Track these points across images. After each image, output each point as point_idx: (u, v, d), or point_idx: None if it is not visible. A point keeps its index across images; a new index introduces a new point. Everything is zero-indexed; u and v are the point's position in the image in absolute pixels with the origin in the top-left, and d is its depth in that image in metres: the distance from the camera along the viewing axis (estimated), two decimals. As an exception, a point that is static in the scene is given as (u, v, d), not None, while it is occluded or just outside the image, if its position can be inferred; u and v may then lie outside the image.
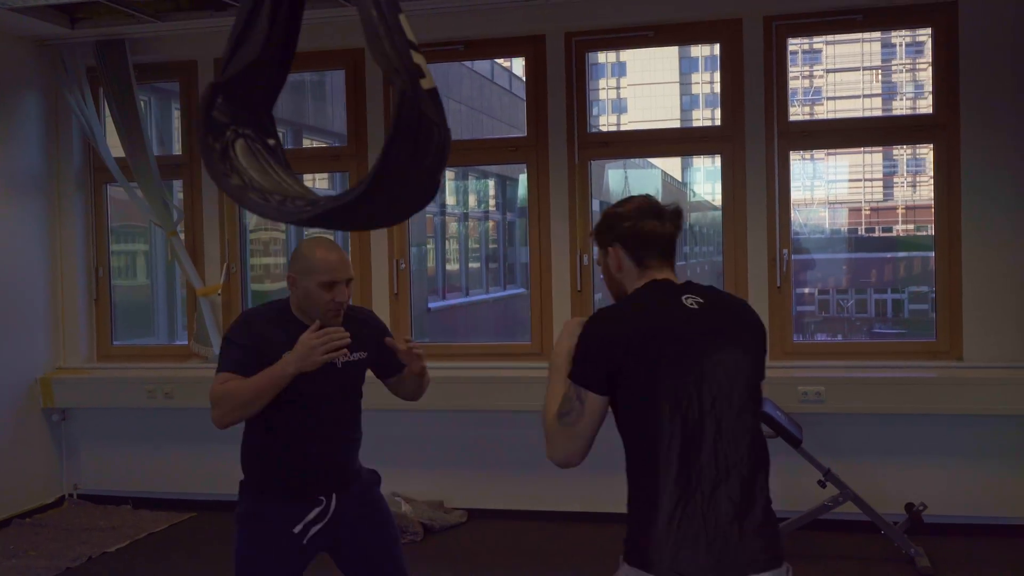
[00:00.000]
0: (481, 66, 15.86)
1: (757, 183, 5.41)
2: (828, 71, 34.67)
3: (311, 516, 2.89)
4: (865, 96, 35.99)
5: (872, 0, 5.22)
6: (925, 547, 4.71)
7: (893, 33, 35.76)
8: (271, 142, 2.42)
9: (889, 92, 35.40)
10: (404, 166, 2.37)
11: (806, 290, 13.05)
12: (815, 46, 34.01)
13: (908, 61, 35.49)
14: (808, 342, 6.55)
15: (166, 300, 7.33)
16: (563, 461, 2.22)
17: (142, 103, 6.02)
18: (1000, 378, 5.02)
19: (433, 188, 2.69)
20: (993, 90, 5.07)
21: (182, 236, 6.08)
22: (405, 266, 5.90)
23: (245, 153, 2.35)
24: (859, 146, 4.95)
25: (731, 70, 5.44)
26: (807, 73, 33.86)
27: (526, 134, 5.78)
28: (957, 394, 5.00)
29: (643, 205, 2.34)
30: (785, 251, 5.39)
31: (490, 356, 5.89)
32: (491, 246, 16.31)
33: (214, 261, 6.11)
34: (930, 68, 5.42)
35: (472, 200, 15.57)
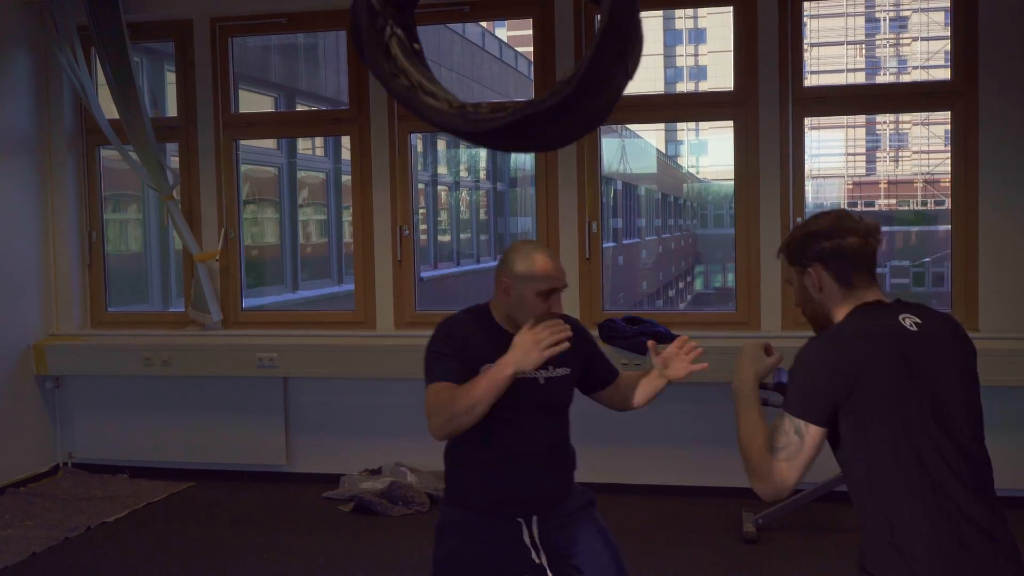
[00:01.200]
0: (472, 34, 15.67)
1: (770, 150, 5.30)
2: (812, 45, 34.62)
3: (507, 538, 2.72)
4: (849, 71, 36.03)
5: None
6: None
7: (877, 7, 35.71)
8: (417, 47, 2.23)
9: (872, 67, 35.44)
10: (608, 71, 2.16)
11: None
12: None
13: (892, 36, 35.54)
14: None
15: (160, 267, 7.19)
16: (776, 495, 2.10)
17: (136, 63, 5.83)
18: (1015, 350, 4.96)
19: (612, 106, 2.46)
20: (1013, 58, 4.97)
21: (178, 200, 5.92)
22: (409, 232, 5.77)
23: (405, 53, 2.15)
24: (875, 112, 4.83)
25: (745, 34, 5.31)
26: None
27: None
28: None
29: (842, 219, 2.21)
30: (799, 219, 5.29)
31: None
32: (482, 217, 16.20)
33: (211, 226, 5.97)
34: (915, 42, 5.33)
35: (463, 170, 15.44)
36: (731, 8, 5.38)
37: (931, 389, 2.06)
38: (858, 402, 2.03)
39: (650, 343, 2.81)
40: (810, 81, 33.54)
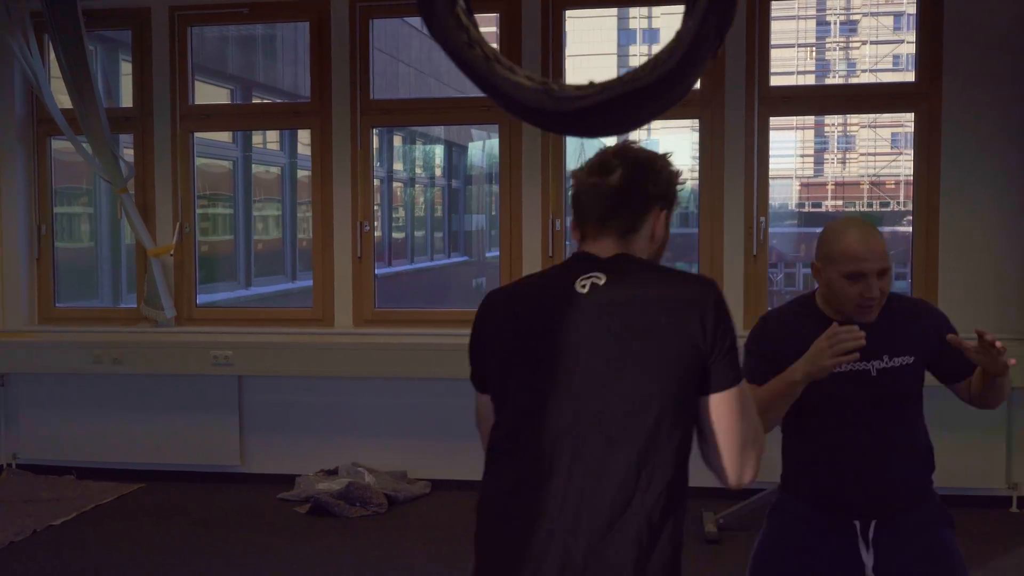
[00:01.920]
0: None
1: (735, 150, 5.30)
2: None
3: (837, 538, 2.49)
4: (799, 72, 36.49)
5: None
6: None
7: (828, 10, 36.31)
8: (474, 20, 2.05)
9: (823, 69, 35.94)
10: (710, 45, 1.98)
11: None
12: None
13: (842, 39, 36.11)
14: None
15: (111, 262, 7.00)
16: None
17: (91, 51, 5.66)
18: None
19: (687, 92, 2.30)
20: (976, 62, 5.03)
21: (132, 193, 5.76)
22: (370, 229, 5.68)
23: (475, 24, 1.96)
24: (842, 112, 4.85)
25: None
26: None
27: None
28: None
29: (596, 156, 1.91)
30: (763, 219, 5.30)
31: (452, 323, 5.68)
32: (437, 215, 16.09)
33: (166, 220, 5.84)
34: (864, 45, 5.38)
35: (418, 167, 15.32)
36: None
37: (567, 365, 1.75)
38: (488, 370, 1.88)
39: (949, 337, 2.44)
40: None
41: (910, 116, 5.40)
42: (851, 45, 38.41)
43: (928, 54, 5.16)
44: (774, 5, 5.30)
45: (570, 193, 1.92)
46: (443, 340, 5.37)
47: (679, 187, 1.90)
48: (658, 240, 1.89)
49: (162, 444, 5.69)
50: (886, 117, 33.29)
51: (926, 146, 5.19)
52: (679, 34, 1.81)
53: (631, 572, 1.67)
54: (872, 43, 34.26)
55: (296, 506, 5.22)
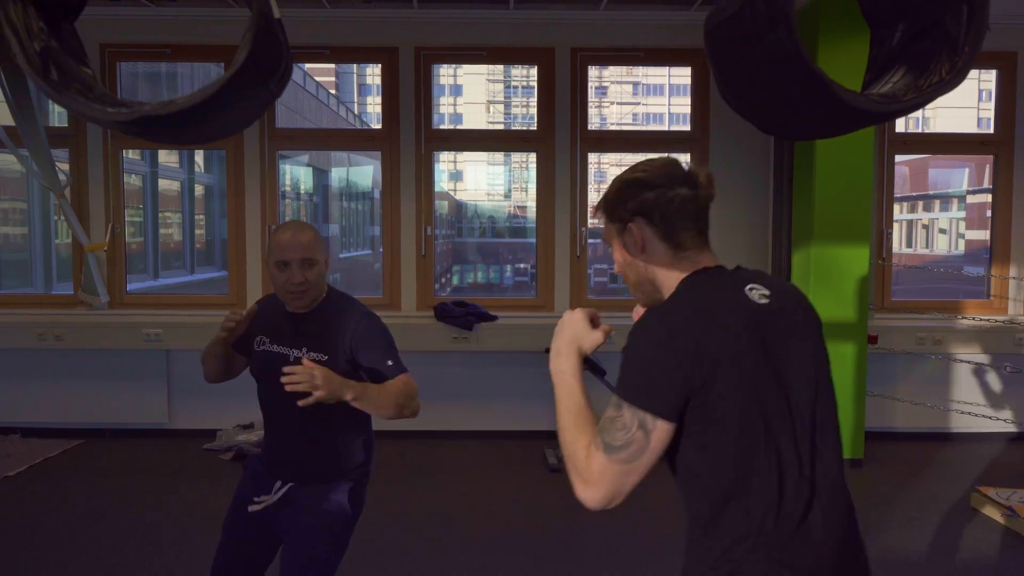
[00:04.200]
0: (295, 74, 15.25)
1: (563, 174, 5.62)
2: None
3: (264, 496, 2.34)
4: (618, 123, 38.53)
5: (651, 42, 5.54)
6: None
7: (640, 77, 38.09)
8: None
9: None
10: (252, 81, 2.26)
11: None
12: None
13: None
14: (601, 298, 6.75)
15: (43, 256, 6.60)
16: (607, 502, 1.39)
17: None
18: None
19: (264, 108, 2.58)
20: (735, 115, 5.52)
21: (67, 198, 5.49)
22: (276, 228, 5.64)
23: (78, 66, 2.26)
24: (641, 152, 5.15)
25: (545, 86, 5.60)
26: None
27: (382, 126, 5.66)
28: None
29: (670, 167, 1.53)
30: (583, 228, 5.64)
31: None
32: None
33: (98, 221, 5.59)
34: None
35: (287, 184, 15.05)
36: (536, 66, 5.65)
37: (786, 377, 1.42)
38: (712, 393, 1.37)
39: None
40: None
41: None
42: (645, 103, 40.86)
43: (699, 112, 5.65)
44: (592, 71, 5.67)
45: (653, 201, 1.49)
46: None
47: None
48: None
49: (99, 407, 5.48)
50: (628, 158, 35.49)
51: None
52: (223, 76, 2.15)
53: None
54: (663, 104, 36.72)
55: (220, 454, 5.16)
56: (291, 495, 2.33)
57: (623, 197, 1.52)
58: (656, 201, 1.48)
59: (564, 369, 1.52)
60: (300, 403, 2.05)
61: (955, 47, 1.99)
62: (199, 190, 9.53)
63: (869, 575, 1.48)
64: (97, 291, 5.48)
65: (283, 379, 2.04)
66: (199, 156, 9.52)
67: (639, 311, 1.58)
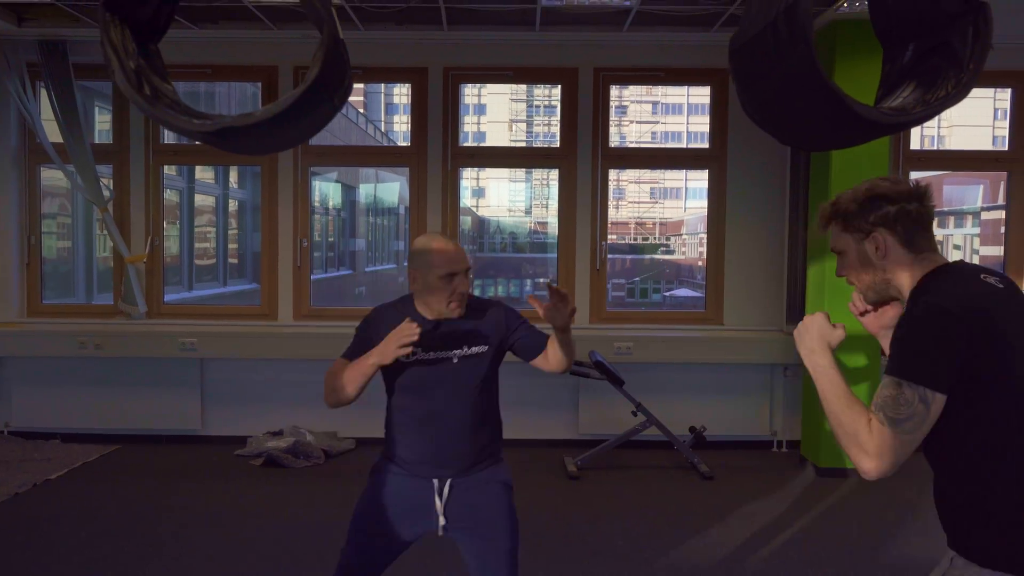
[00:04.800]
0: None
1: (584, 190, 5.66)
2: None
3: (422, 496, 2.35)
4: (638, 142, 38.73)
5: (671, 62, 5.58)
6: (705, 458, 5.12)
7: (660, 97, 38.33)
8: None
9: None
10: (319, 96, 2.44)
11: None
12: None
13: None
14: (618, 310, 6.81)
15: (85, 267, 6.73)
16: (889, 470, 1.55)
17: (79, 96, 5.50)
18: (748, 338, 5.53)
19: (327, 121, 2.74)
20: (748, 136, 5.50)
21: (110, 212, 5.61)
22: (307, 243, 5.74)
23: (159, 77, 2.43)
24: (662, 168, 5.20)
25: (568, 105, 5.65)
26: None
27: (410, 143, 5.73)
28: (722, 349, 5.45)
29: (898, 184, 1.73)
30: (604, 242, 5.67)
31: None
32: (330, 238, 16.01)
33: (139, 234, 5.70)
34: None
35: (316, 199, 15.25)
36: (559, 86, 5.70)
37: None
38: (982, 367, 1.54)
39: (529, 297, 2.32)
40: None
41: (666, 174, 5.79)
42: (664, 122, 41.14)
43: (717, 127, 5.69)
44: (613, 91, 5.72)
45: (904, 211, 1.70)
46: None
47: None
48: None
49: (135, 413, 5.56)
50: (647, 175, 35.54)
51: (716, 190, 5.70)
52: (296, 90, 2.28)
53: None
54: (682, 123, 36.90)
55: (251, 460, 5.21)
56: (455, 491, 2.35)
57: (864, 210, 1.72)
58: (897, 213, 1.69)
59: (822, 363, 1.68)
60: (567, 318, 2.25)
61: (961, 65, 2.07)
62: (232, 205, 9.66)
63: None
64: (136, 301, 5.58)
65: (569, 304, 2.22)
66: (233, 172, 9.67)
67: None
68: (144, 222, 5.70)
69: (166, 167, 5.94)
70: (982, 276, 1.64)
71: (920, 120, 2.16)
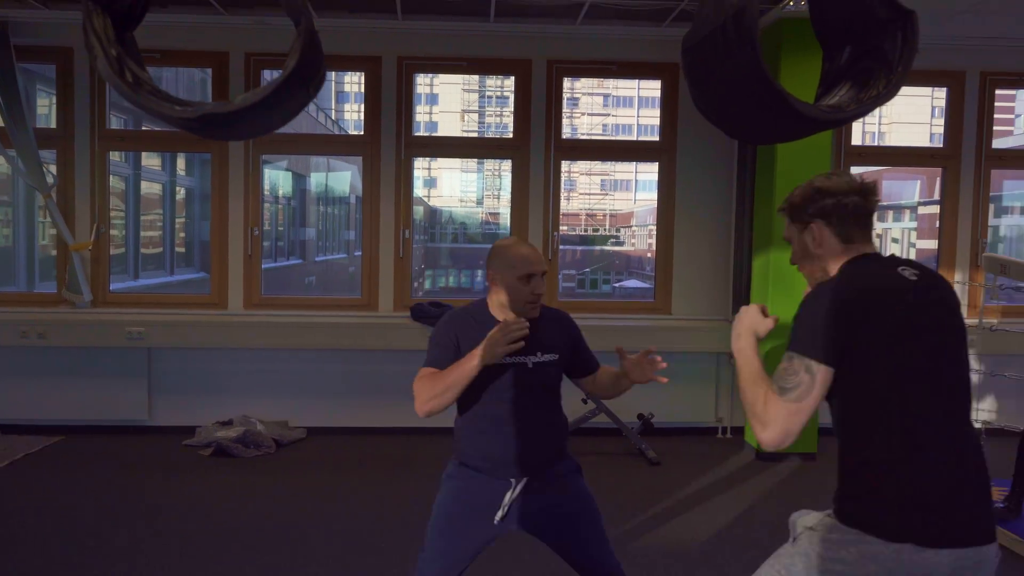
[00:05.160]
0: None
1: (537, 181, 5.71)
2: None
3: (504, 497, 2.37)
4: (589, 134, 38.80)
5: (624, 56, 5.65)
6: (652, 444, 5.22)
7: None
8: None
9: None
10: (296, 85, 2.54)
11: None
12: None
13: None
14: (569, 300, 6.81)
15: (26, 255, 6.54)
16: (783, 440, 1.67)
17: (20, 80, 5.34)
18: (696, 327, 5.65)
19: (302, 109, 2.83)
20: (701, 126, 5.64)
21: (54, 198, 5.47)
22: (259, 233, 5.68)
23: (137, 64, 2.48)
24: (613, 160, 5.31)
25: (522, 96, 5.68)
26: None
27: (364, 132, 5.71)
28: (670, 337, 5.55)
29: (842, 178, 1.84)
30: (555, 233, 5.73)
31: (329, 307, 5.76)
32: (279, 227, 15.79)
33: (84, 221, 5.57)
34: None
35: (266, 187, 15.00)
36: (512, 77, 5.73)
37: (930, 340, 1.70)
38: (863, 342, 1.66)
39: (618, 347, 2.47)
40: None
41: (616, 166, 5.88)
42: (615, 115, 41.36)
43: (667, 121, 5.78)
44: (566, 83, 5.77)
45: (841, 205, 1.80)
46: (311, 320, 5.49)
47: None
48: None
49: (81, 404, 5.45)
50: (598, 167, 35.85)
51: (666, 183, 5.80)
52: (274, 80, 2.42)
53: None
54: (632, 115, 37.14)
55: (200, 450, 5.15)
56: (533, 489, 2.37)
57: (806, 203, 1.84)
58: (833, 206, 1.81)
59: (742, 346, 1.83)
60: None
61: (891, 67, 2.26)
62: (180, 193, 9.48)
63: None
64: (81, 290, 5.46)
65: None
66: (180, 159, 9.48)
67: None
68: (89, 209, 5.57)
69: (112, 153, 5.81)
70: (899, 268, 1.75)
71: (854, 117, 2.37)
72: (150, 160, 8.61)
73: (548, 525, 2.41)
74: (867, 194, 1.81)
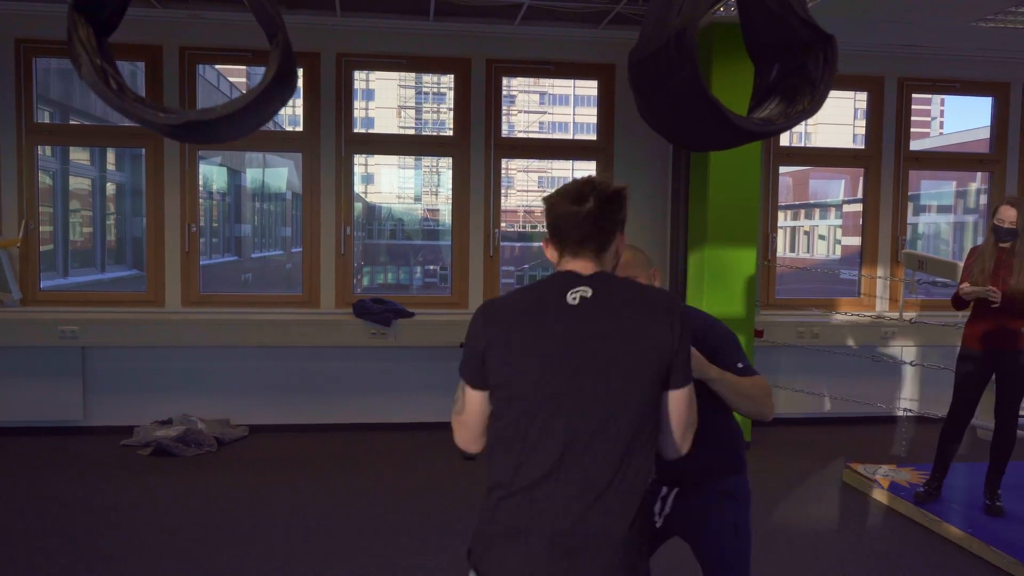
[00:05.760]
0: (209, 74, 14.92)
1: (477, 178, 5.77)
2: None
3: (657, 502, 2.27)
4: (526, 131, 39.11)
5: (561, 56, 5.76)
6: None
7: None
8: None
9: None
10: (274, 93, 2.70)
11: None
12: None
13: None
14: None
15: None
16: (466, 447, 1.75)
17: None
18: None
19: (276, 113, 3.00)
20: (637, 126, 5.74)
21: (-20, 194, 5.31)
22: (196, 229, 5.60)
23: (115, 71, 2.58)
24: (552, 158, 5.37)
25: (461, 95, 5.74)
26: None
27: (303, 129, 5.68)
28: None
29: (569, 186, 1.70)
30: (497, 230, 5.80)
31: (269, 304, 5.72)
32: (214, 223, 15.48)
33: (10, 217, 5.41)
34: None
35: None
36: (452, 76, 5.78)
37: (569, 366, 1.58)
38: (493, 369, 1.63)
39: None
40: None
41: (554, 164, 5.95)
42: (551, 112, 41.82)
43: (604, 120, 5.91)
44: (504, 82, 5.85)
45: (546, 218, 1.71)
46: (252, 317, 5.45)
47: None
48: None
49: (12, 404, 5.31)
50: (535, 164, 36.21)
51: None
52: (254, 90, 2.60)
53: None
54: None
55: (139, 450, 5.07)
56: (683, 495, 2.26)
57: (545, 214, 1.74)
58: (547, 216, 1.71)
59: None
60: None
61: (815, 85, 2.48)
62: (111, 188, 9.23)
63: None
64: (10, 288, 5.31)
65: None
66: (110, 154, 9.22)
67: None
68: (16, 205, 5.41)
69: (40, 147, 5.65)
70: (571, 291, 1.63)
71: (783, 129, 2.63)
72: (78, 155, 8.36)
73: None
74: (576, 201, 1.65)
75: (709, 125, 2.54)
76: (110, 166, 9.03)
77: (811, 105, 2.53)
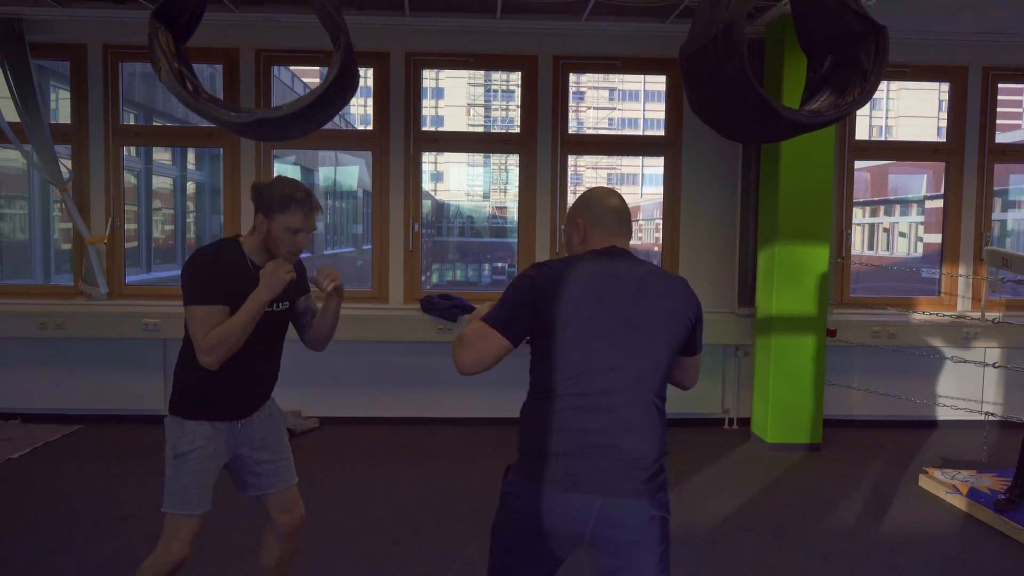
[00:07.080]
0: (283, 75, 15.31)
1: (544, 175, 5.78)
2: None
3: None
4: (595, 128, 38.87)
5: (628, 51, 5.72)
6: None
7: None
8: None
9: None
10: (336, 92, 2.82)
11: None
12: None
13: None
14: None
15: (42, 249, 6.66)
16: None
17: (36, 76, 5.43)
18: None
19: (339, 111, 3.12)
20: (702, 127, 5.71)
21: (70, 193, 5.57)
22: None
23: (190, 72, 2.82)
24: (615, 155, 5.36)
25: (528, 92, 5.76)
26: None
27: (373, 127, 5.79)
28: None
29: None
30: (563, 226, 5.78)
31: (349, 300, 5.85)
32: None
33: (99, 215, 5.67)
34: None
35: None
36: (519, 72, 5.80)
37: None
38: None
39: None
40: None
41: (623, 160, 5.92)
42: (620, 108, 41.63)
43: (673, 116, 5.84)
44: (572, 78, 5.84)
45: (595, 210, 2.05)
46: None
47: None
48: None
49: (98, 393, 5.57)
50: (604, 161, 36.01)
51: (672, 177, 5.87)
52: (318, 88, 2.72)
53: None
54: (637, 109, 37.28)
55: (214, 438, 5.26)
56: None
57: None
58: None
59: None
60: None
61: (866, 76, 2.48)
62: (191, 187, 9.58)
63: None
64: (97, 282, 5.57)
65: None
66: (190, 154, 9.58)
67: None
68: (104, 203, 5.67)
69: (127, 148, 5.91)
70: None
71: (832, 121, 2.63)
72: (161, 155, 8.71)
73: None
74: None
75: (757, 117, 2.58)
76: (190, 166, 9.39)
77: (861, 96, 2.55)
